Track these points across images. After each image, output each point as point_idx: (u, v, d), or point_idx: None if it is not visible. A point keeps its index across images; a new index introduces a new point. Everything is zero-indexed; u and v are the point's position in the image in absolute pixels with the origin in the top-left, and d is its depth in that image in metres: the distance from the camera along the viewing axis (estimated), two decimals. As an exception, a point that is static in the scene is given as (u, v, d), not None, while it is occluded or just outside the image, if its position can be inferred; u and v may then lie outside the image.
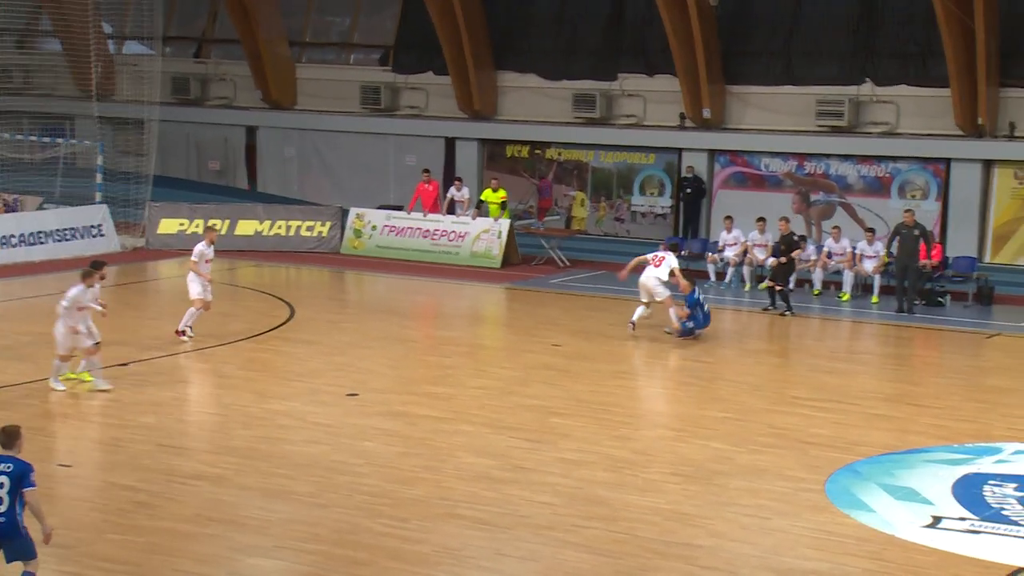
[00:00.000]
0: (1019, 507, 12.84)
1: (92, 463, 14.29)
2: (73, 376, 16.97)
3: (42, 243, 27.96)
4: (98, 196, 30.17)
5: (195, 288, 19.91)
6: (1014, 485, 13.53)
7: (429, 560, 11.18)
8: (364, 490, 12.98)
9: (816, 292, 26.08)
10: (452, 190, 29.66)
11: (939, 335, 22.98)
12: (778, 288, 24.01)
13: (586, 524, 12.14)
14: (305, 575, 10.92)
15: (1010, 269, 26.57)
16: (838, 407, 17.04)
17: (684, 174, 29.65)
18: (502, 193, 29.31)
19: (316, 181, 34.33)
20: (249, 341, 20.28)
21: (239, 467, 13.66)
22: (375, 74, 33.85)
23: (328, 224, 30.42)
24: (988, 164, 27.03)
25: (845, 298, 25.72)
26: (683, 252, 25.72)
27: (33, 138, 31.70)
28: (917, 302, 24.58)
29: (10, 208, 29.94)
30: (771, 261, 24.70)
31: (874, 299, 25.49)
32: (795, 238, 24.80)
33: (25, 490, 9.42)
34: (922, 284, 25.01)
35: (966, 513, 12.68)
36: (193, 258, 20.06)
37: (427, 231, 29.52)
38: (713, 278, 27.03)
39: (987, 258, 27.03)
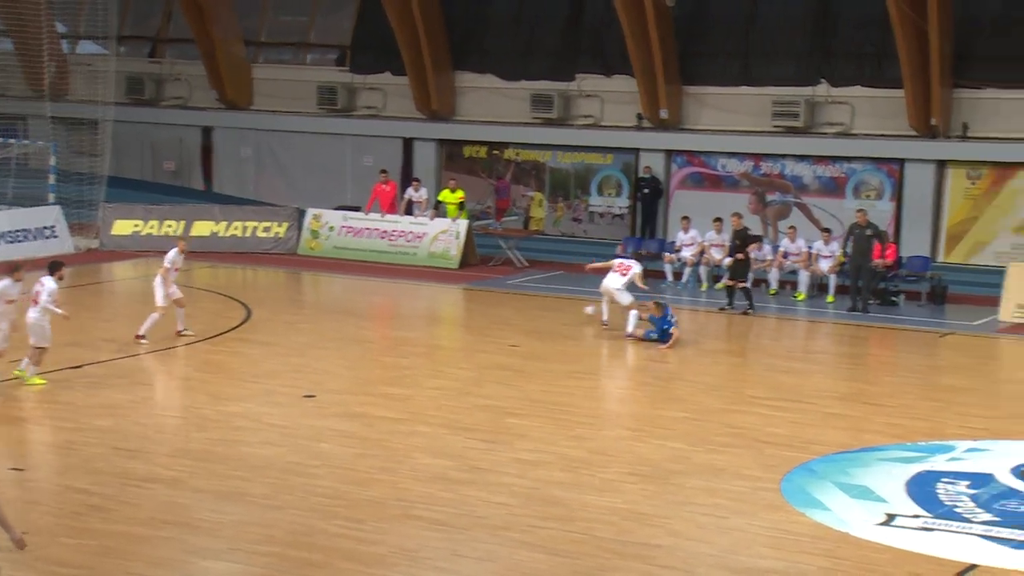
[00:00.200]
0: (971, 505, 12.95)
1: (45, 466, 14.14)
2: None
3: (-6, 244, 27.68)
4: (51, 197, 29.91)
5: (160, 294, 19.90)
6: (967, 483, 13.64)
7: (385, 561, 11.14)
8: (320, 492, 12.92)
9: (772, 292, 26.21)
10: (410, 191, 29.59)
11: (893, 334, 23.15)
12: (739, 286, 24.09)
13: (543, 524, 12.13)
14: (260, 578, 10.87)
15: (963, 268, 26.81)
16: (794, 406, 17.14)
17: (641, 174, 29.73)
18: (460, 194, 29.22)
19: (272, 182, 34.15)
20: (205, 343, 20.15)
21: (194, 470, 13.56)
22: (332, 74, 33.71)
23: (285, 225, 30.27)
24: (941, 164, 27.27)
25: (801, 298, 25.86)
26: (641, 252, 25.72)
27: (-15, 138, 31.39)
28: (871, 301, 24.75)
29: (-38, 209, 29.63)
30: (727, 261, 24.79)
31: (830, 299, 25.65)
32: (749, 233, 24.90)
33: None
34: (876, 284, 25.19)
35: (920, 511, 12.78)
36: (166, 264, 20.02)
37: (385, 232, 29.42)
38: (670, 278, 27.14)
39: (940, 258, 27.27)
